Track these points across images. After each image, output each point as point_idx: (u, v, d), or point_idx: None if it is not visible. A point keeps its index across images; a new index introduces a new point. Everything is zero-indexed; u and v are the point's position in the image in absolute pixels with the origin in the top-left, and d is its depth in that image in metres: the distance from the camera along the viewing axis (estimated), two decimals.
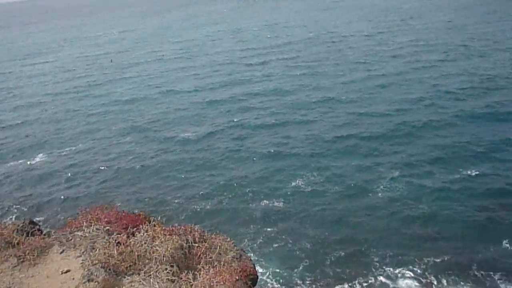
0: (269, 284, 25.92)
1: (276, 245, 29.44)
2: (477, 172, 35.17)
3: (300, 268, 27.33)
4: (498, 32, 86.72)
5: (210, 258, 13.53)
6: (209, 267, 12.92)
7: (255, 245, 29.46)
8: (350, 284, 25.85)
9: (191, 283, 12.08)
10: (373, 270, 26.75)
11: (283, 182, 36.49)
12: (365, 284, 25.78)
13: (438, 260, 26.70)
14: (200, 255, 13.60)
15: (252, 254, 28.13)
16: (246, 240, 29.92)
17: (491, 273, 25.39)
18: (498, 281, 24.82)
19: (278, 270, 27.12)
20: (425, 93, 54.41)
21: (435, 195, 32.76)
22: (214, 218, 32.77)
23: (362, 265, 27.20)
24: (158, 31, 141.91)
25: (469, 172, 35.28)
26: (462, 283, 24.98)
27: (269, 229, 30.90)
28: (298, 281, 26.25)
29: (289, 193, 34.92)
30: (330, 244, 29.05)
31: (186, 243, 13.73)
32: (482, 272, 25.52)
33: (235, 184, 36.86)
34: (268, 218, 32.13)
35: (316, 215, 31.94)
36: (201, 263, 13.30)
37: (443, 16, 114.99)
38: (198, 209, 33.87)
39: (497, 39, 79.91)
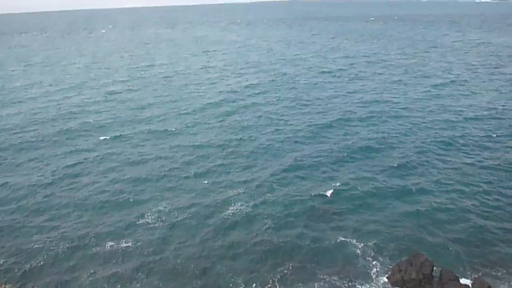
0: None
1: None
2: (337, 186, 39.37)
3: None
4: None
5: None
6: None
7: None
8: None
9: None
10: None
11: (129, 220, 34.77)
12: None
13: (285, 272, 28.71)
14: None
15: None
16: None
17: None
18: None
19: None
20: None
21: (273, 209, 35.35)
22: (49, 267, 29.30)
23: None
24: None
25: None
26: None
27: (118, 272, 28.89)
28: None
29: (137, 231, 33.42)
30: (187, 277, 28.60)
31: None
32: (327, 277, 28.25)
33: (69, 228, 33.85)
34: (114, 260, 30.00)
35: (166, 252, 31.00)
36: None
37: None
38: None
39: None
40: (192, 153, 47.70)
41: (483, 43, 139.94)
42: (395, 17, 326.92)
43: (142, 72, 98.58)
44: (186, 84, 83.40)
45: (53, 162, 46.47)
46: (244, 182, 40.45)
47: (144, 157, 47.08)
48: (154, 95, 74.60)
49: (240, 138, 51.67)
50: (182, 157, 46.85)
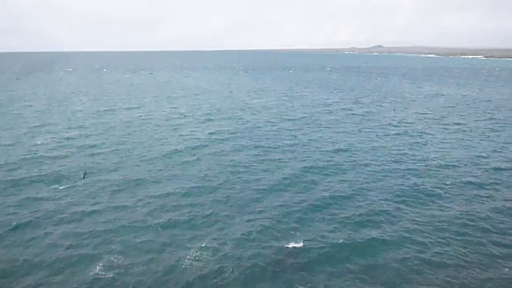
0: None
1: None
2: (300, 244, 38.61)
3: None
4: None
5: None
6: None
7: None
8: None
9: None
10: None
11: (82, 277, 32.29)
12: None
13: None
14: None
15: None
16: None
17: None
18: None
19: None
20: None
21: (238, 262, 34.12)
22: None
23: None
24: None
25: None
26: None
27: None
28: None
29: (87, 284, 31.03)
30: None
31: None
32: None
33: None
34: None
35: None
36: None
37: None
38: None
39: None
40: (152, 204, 45.95)
41: (435, 94, 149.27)
42: (349, 68, 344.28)
43: (102, 117, 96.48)
44: (147, 130, 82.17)
45: (1, 213, 43.21)
46: (207, 234, 39.11)
47: (100, 207, 44.81)
48: (113, 142, 72.64)
49: (202, 187, 50.62)
50: (141, 207, 44.96)
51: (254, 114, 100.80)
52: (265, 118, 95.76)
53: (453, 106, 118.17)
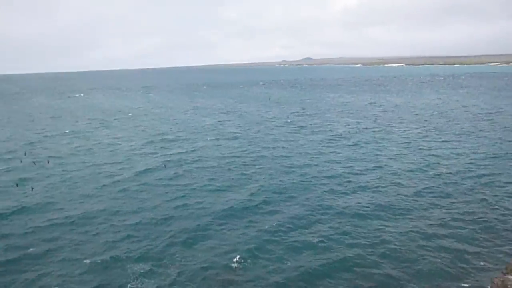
0: None
1: None
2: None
3: None
4: None
5: None
6: None
7: None
8: None
9: None
10: None
11: None
12: None
13: None
14: None
15: None
16: None
17: None
18: None
19: None
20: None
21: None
22: None
23: None
24: None
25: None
26: None
27: None
28: None
29: None
30: None
31: None
32: None
33: None
34: None
35: None
36: None
37: None
38: None
39: None
40: (95, 241, 40.92)
41: (372, 103, 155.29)
42: (283, 82, 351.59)
43: (28, 147, 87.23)
44: (81, 159, 75.17)
45: None
46: (159, 271, 35.19)
47: (34, 251, 39.09)
48: (43, 175, 65.11)
49: (148, 218, 46.18)
50: (83, 244, 39.77)
51: (194, 134, 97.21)
52: (208, 138, 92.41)
53: (392, 114, 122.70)
